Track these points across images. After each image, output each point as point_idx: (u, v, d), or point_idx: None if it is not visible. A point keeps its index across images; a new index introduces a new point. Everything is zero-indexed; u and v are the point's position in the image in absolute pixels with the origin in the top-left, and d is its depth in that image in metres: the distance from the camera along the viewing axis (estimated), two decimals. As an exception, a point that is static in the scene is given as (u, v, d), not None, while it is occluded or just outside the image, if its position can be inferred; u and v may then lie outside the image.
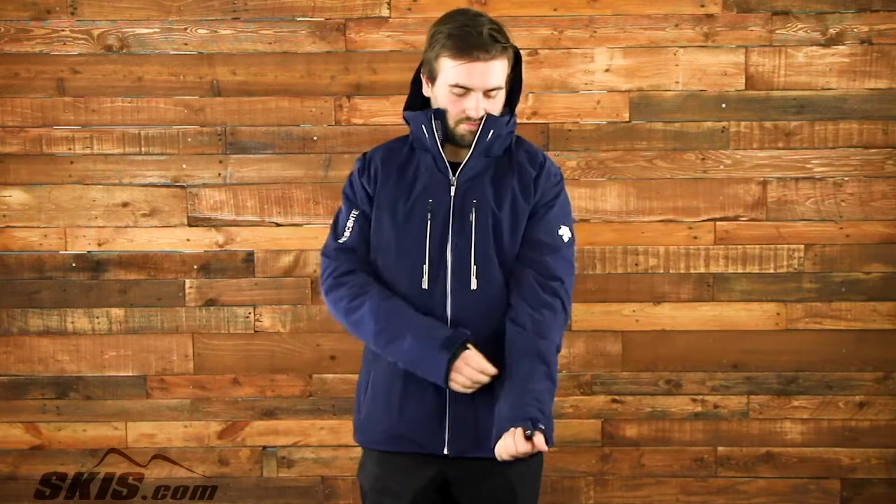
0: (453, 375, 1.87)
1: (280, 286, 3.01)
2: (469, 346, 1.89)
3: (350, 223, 2.01)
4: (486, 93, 1.91)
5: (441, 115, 1.93)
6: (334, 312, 2.02)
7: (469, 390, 1.88)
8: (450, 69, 1.89)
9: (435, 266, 1.94)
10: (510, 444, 1.77)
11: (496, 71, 1.90)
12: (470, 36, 1.87)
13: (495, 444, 1.81)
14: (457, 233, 1.95)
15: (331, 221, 2.93)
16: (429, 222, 1.95)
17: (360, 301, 1.94)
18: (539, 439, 1.75)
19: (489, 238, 1.95)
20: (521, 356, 1.88)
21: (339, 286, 1.98)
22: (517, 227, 1.97)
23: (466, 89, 1.90)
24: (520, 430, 1.76)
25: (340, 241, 2.01)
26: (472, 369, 1.87)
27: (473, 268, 1.94)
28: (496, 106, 1.94)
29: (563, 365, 2.98)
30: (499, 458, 1.80)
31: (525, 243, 1.97)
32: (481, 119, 1.92)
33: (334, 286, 1.99)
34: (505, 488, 1.96)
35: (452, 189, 1.97)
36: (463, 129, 1.93)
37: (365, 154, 2.07)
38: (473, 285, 1.94)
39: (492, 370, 1.87)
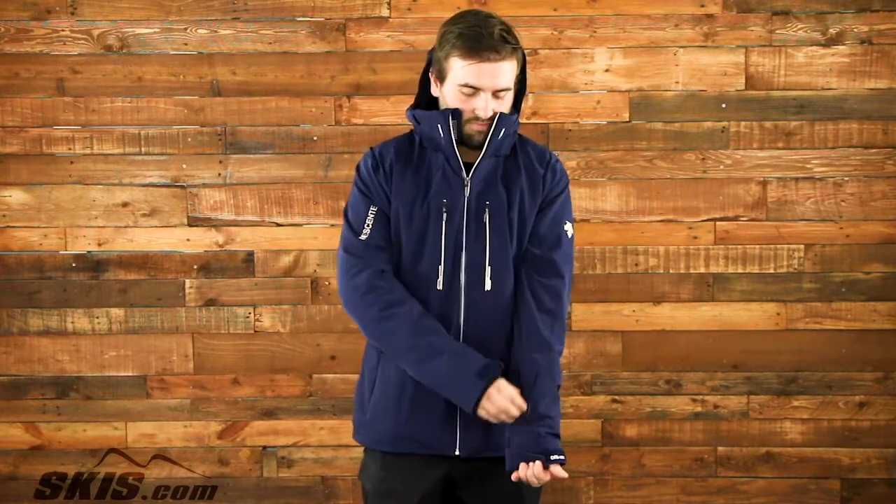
0: (483, 402, 1.87)
1: (280, 286, 3.01)
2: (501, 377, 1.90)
3: (370, 220, 1.97)
4: (495, 93, 1.90)
5: (458, 115, 1.92)
6: (360, 314, 1.96)
7: (494, 420, 1.89)
8: (459, 69, 1.89)
9: (450, 267, 1.94)
10: (531, 476, 1.85)
11: (505, 72, 1.90)
12: (481, 36, 1.87)
13: (510, 465, 1.87)
14: (472, 233, 1.95)
15: (330, 221, 2.97)
16: (444, 223, 1.95)
17: (393, 311, 1.91)
18: (556, 469, 1.85)
19: (503, 239, 1.95)
20: (530, 372, 1.91)
21: (373, 290, 1.93)
22: (526, 226, 1.98)
23: (476, 89, 1.89)
24: (539, 463, 1.84)
25: (363, 237, 1.96)
26: (503, 399, 1.88)
27: (488, 269, 1.94)
28: (504, 106, 1.93)
29: (564, 365, 2.94)
30: (514, 479, 1.88)
31: (531, 240, 1.98)
32: (492, 119, 1.92)
33: (368, 288, 1.93)
34: (511, 487, 1.96)
35: (467, 189, 1.97)
36: (471, 128, 1.93)
37: (373, 149, 2.03)
38: (487, 286, 1.94)
39: (521, 403, 1.88)
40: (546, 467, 1.84)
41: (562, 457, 1.86)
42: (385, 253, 1.96)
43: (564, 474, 1.85)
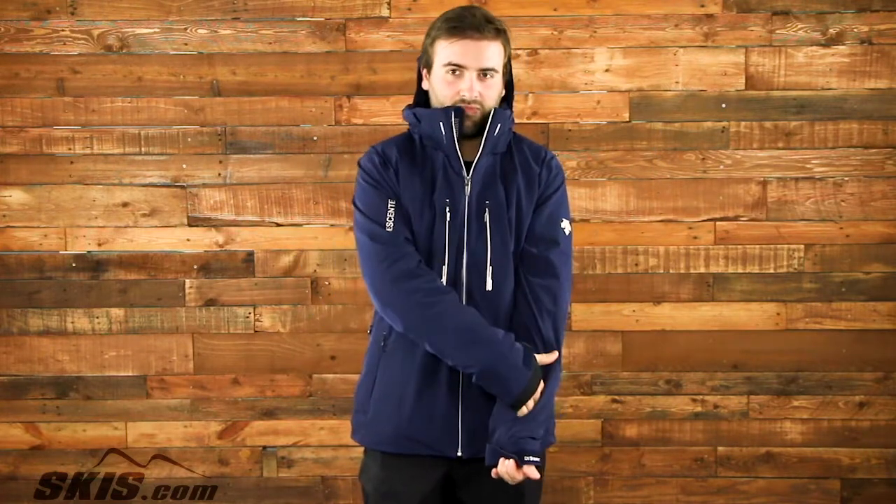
0: (536, 395, 1.90)
1: (280, 286, 3.01)
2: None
3: (391, 213, 1.95)
4: (481, 74, 1.91)
5: (460, 112, 1.93)
6: (402, 302, 1.91)
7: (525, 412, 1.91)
8: (443, 49, 1.92)
9: (452, 266, 1.94)
10: (503, 473, 1.88)
11: (489, 52, 1.91)
12: (463, 17, 1.92)
13: (488, 460, 1.89)
14: (473, 233, 1.95)
15: (330, 221, 2.97)
16: (447, 222, 1.95)
17: (440, 297, 1.89)
18: (529, 470, 1.86)
19: (503, 238, 1.95)
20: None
21: (416, 276, 1.90)
22: (523, 225, 1.98)
23: (460, 67, 1.91)
24: (512, 461, 1.87)
25: (389, 229, 1.93)
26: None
27: (489, 268, 1.94)
28: (491, 92, 1.94)
29: (564, 365, 2.96)
30: (494, 476, 1.90)
31: (528, 238, 1.98)
32: (479, 104, 1.92)
33: (409, 275, 1.90)
34: (512, 488, 1.96)
35: (467, 189, 1.97)
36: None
37: (374, 147, 2.03)
38: (489, 286, 1.94)
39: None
40: (519, 467, 1.86)
41: (536, 459, 1.88)
42: (413, 246, 1.94)
43: (536, 475, 1.86)
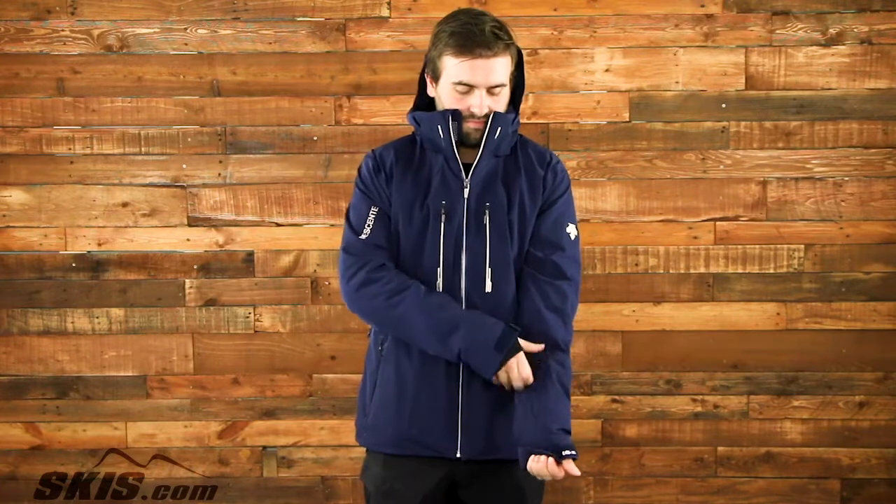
0: (500, 373, 1.88)
1: (280, 286, 3.01)
2: (520, 346, 1.90)
3: (371, 220, 1.98)
4: (490, 90, 1.90)
5: (458, 115, 1.92)
6: (366, 308, 1.96)
7: (505, 387, 1.91)
8: (452, 67, 1.89)
9: (449, 268, 1.94)
10: (542, 470, 1.84)
11: (499, 68, 1.90)
12: (472, 34, 1.87)
13: (524, 462, 1.86)
14: (472, 235, 1.95)
15: (330, 221, 2.97)
16: (443, 224, 1.95)
17: (401, 297, 1.91)
18: (569, 465, 1.83)
19: (503, 240, 1.95)
20: (536, 369, 1.90)
21: (372, 282, 1.93)
22: (526, 227, 1.97)
23: (470, 86, 1.90)
24: (552, 459, 1.83)
25: (363, 236, 1.97)
26: (517, 378, 1.89)
27: (488, 270, 1.94)
28: (500, 104, 1.93)
29: (563, 365, 2.98)
30: (529, 471, 1.87)
31: (533, 242, 1.97)
32: (487, 117, 1.92)
33: (367, 282, 1.94)
34: (513, 489, 1.96)
35: (466, 191, 1.97)
36: (468, 126, 1.94)
37: (374, 151, 2.04)
38: (488, 287, 1.94)
39: (531, 381, 1.89)
40: (559, 463, 1.83)
41: (573, 452, 1.84)
42: (385, 251, 1.97)
43: (577, 472, 1.83)
